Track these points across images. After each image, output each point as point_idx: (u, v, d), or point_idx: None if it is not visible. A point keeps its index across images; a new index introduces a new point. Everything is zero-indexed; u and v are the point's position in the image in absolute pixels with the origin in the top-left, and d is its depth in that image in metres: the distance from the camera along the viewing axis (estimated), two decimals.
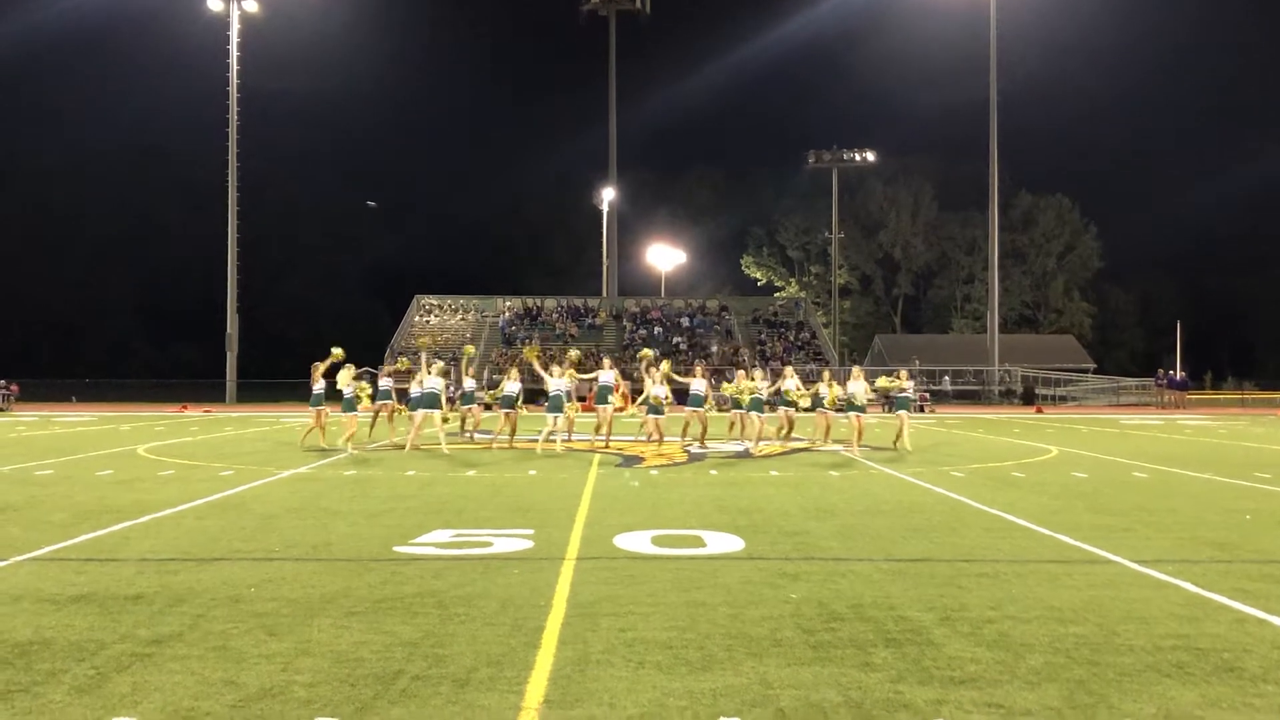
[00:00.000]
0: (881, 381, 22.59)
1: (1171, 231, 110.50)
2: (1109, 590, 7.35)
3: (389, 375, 23.62)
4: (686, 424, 22.14)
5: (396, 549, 8.95)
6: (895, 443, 21.27)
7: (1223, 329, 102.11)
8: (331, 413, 20.93)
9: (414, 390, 20.71)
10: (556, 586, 7.37)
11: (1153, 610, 6.74)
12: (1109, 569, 8.19)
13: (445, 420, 20.53)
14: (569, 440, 21.60)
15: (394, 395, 22.85)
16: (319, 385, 20.70)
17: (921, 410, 43.59)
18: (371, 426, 23.32)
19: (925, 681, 5.21)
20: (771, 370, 38.78)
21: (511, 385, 21.08)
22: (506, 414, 21.03)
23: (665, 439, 21.35)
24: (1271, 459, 19.15)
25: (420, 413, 20.02)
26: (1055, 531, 10.02)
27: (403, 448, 20.16)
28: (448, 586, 7.34)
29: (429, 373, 20.33)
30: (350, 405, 20.21)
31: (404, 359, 29.50)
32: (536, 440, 20.73)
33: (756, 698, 4.95)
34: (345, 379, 20.36)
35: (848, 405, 20.51)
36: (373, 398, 21.88)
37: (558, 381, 20.97)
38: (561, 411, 20.76)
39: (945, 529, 10.22)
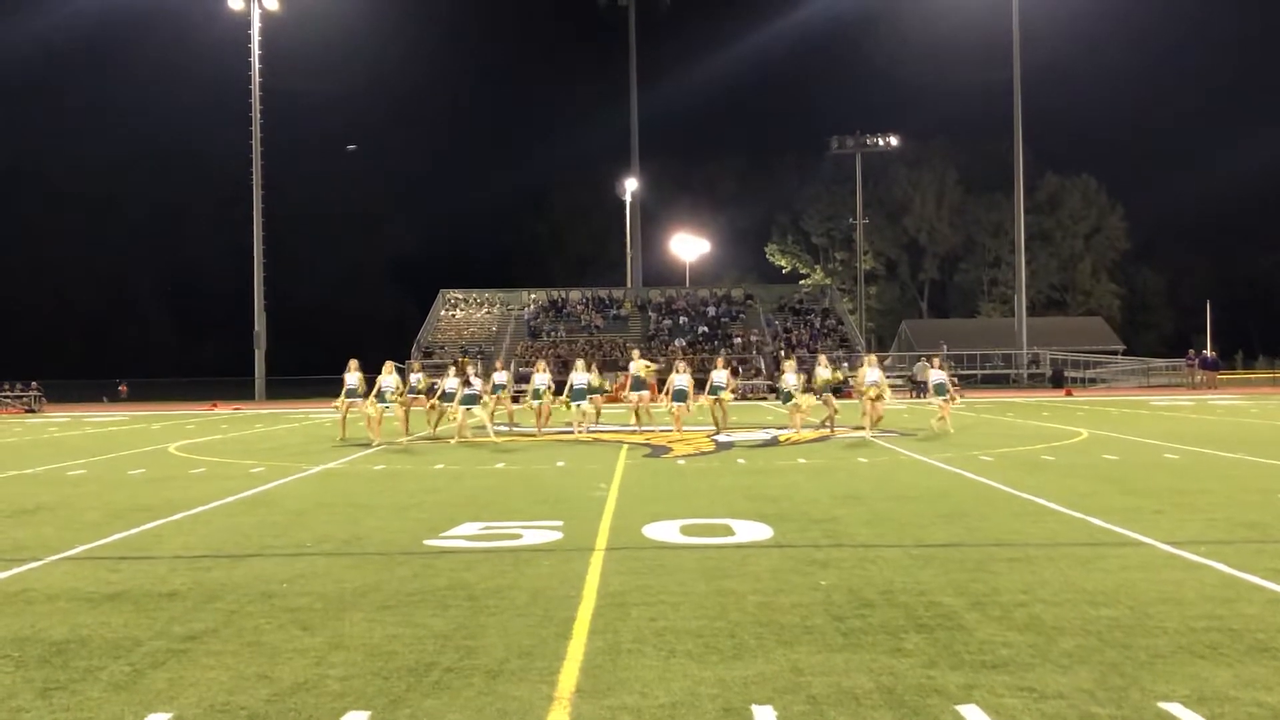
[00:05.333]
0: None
1: (1200, 209, 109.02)
2: (1141, 572, 7.30)
3: (419, 370, 23.81)
4: (714, 412, 22.35)
5: (427, 542, 8.99)
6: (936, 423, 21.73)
7: (1254, 307, 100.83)
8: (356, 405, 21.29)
9: (449, 386, 21.52)
10: (586, 577, 7.39)
11: (1185, 592, 6.70)
12: (1141, 551, 8.14)
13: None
14: (596, 431, 22.04)
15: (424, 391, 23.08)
16: (353, 379, 21.06)
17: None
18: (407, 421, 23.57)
19: (957, 666, 5.20)
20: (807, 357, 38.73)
21: (540, 377, 21.98)
22: (537, 405, 21.92)
23: (685, 428, 21.74)
24: None
25: (463, 408, 20.62)
26: (1086, 514, 9.96)
27: (438, 439, 20.97)
28: (478, 579, 7.38)
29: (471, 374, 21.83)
30: (380, 397, 20.46)
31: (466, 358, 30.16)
32: (570, 432, 21.74)
33: (788, 685, 4.95)
34: (388, 371, 20.81)
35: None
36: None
37: (579, 375, 22.02)
38: (585, 400, 21.87)
39: (975, 514, 10.18)
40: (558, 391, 22.66)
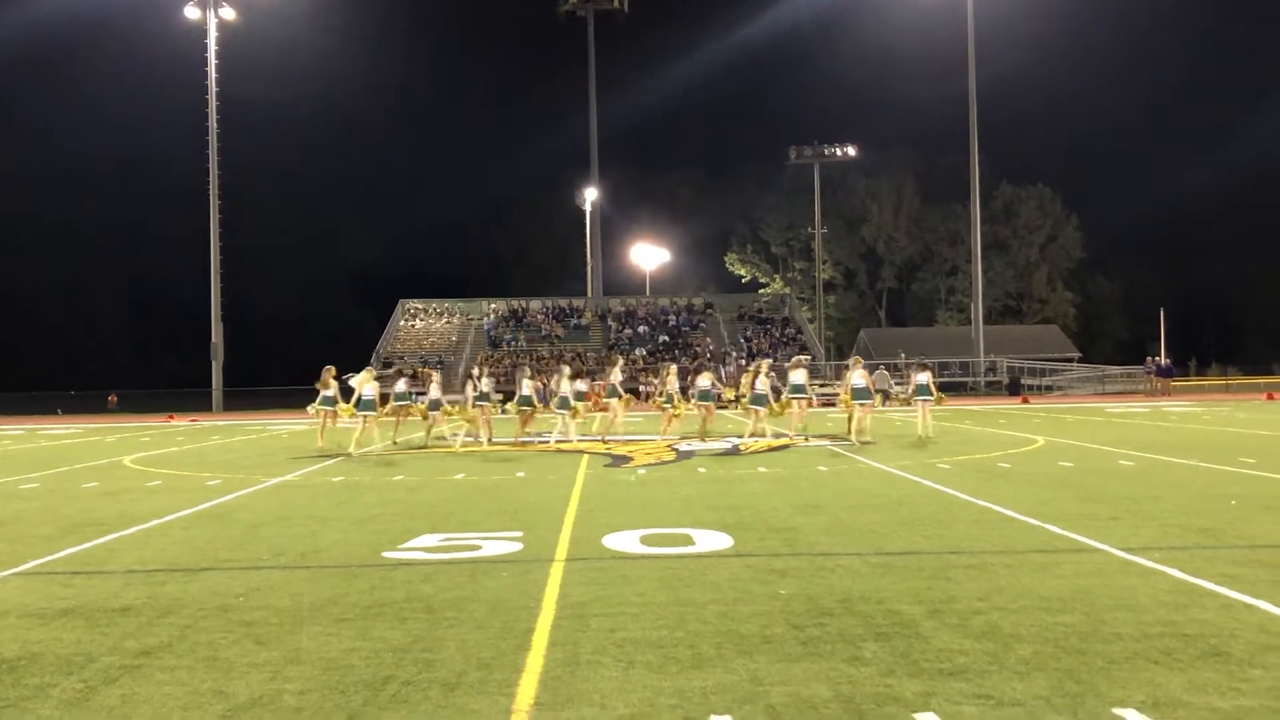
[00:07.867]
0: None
1: (1153, 219, 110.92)
2: (1097, 579, 7.37)
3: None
4: (703, 420, 22.61)
5: (385, 554, 8.93)
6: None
7: (1206, 314, 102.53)
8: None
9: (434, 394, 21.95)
10: (546, 588, 7.36)
11: (1140, 598, 6.77)
12: (1096, 558, 8.21)
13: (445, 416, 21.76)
14: (571, 441, 21.98)
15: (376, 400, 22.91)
16: (330, 389, 21.00)
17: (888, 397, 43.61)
18: (396, 428, 23.51)
19: (915, 674, 5.22)
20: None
21: (526, 385, 22.19)
22: (522, 412, 22.05)
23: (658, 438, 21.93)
24: (1256, 444, 19.24)
25: (432, 414, 21.31)
26: (1043, 521, 10.05)
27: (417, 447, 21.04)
28: (437, 591, 7.33)
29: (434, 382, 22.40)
30: (369, 405, 20.45)
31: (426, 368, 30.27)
32: (546, 440, 21.89)
33: (747, 695, 4.95)
34: (365, 379, 20.86)
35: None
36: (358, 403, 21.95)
37: (566, 386, 22.02)
38: (569, 410, 21.88)
39: (933, 522, 10.24)
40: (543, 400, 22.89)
